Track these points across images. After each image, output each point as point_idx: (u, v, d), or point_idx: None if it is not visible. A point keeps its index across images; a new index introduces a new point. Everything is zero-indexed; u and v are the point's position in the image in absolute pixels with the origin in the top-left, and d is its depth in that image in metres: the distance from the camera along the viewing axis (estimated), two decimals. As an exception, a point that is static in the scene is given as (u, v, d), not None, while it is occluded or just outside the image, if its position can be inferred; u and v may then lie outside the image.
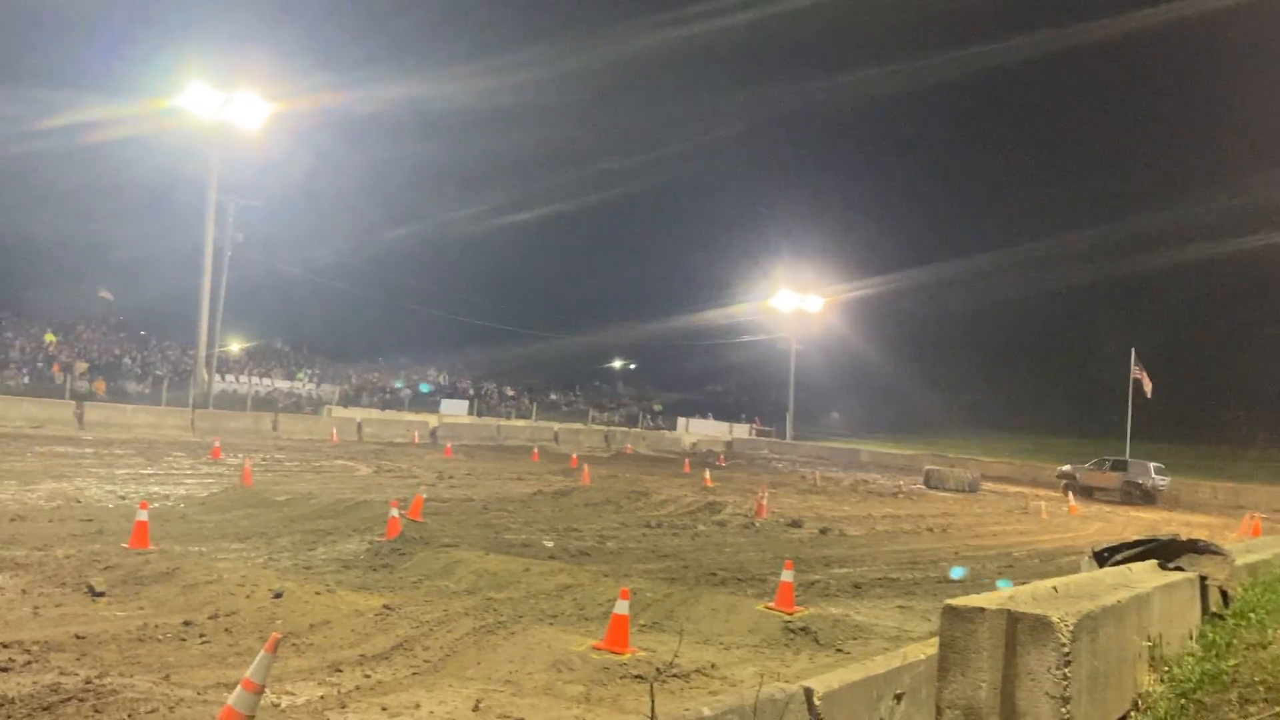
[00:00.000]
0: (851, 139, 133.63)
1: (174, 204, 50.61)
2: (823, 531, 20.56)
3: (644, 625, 10.38)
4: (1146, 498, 40.07)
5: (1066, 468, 44.08)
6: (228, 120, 38.92)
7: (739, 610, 11.36)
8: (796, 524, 21.37)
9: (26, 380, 42.25)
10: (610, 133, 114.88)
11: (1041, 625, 4.53)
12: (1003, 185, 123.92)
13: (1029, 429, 76.02)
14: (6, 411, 31.51)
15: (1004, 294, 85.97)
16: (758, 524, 21.05)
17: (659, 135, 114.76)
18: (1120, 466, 42.22)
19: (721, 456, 49.94)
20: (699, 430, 65.36)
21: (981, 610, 4.68)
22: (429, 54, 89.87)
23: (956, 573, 17.58)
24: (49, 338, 49.59)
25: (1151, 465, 41.87)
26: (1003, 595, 5.06)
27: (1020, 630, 4.58)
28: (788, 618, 11.11)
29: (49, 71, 63.72)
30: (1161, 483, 41.28)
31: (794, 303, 67.22)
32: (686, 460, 42.88)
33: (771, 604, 11.60)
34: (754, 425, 70.97)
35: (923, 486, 38.58)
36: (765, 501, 23.37)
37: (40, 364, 45.45)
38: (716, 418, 71.89)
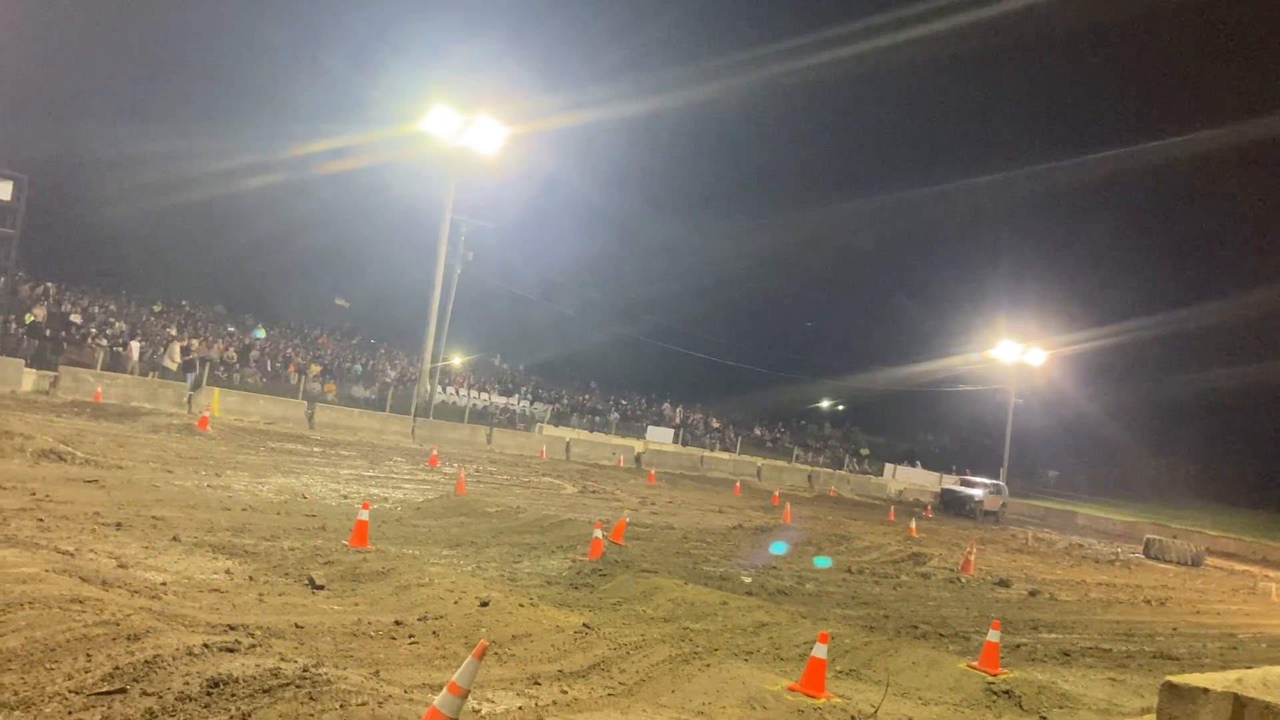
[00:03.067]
0: (1084, 192, 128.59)
1: (411, 223, 53.23)
2: (1032, 593, 19.78)
3: (840, 671, 10.20)
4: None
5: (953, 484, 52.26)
6: (466, 144, 40.60)
7: (940, 666, 11.05)
8: (1004, 583, 20.63)
9: (265, 379, 44.95)
10: (835, 168, 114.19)
11: (1271, 713, 4.23)
12: (1251, 241, 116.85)
13: (1261, 505, 71.11)
14: (245, 407, 33.59)
15: (1244, 360, 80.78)
16: (963, 579, 20.44)
17: (886, 176, 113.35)
18: (998, 490, 50.31)
19: (929, 507, 48.65)
20: (906, 478, 63.90)
21: (1205, 691, 4.40)
22: (659, 77, 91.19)
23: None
24: (260, 332, 52.62)
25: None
26: (1229, 677, 4.74)
27: (1247, 716, 4.28)
28: (991, 678, 10.74)
29: (314, 104, 68.32)
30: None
31: (1015, 354, 64.90)
32: (892, 508, 41.98)
33: (975, 663, 11.24)
34: (964, 477, 68.83)
35: (1141, 556, 36.61)
36: (973, 557, 22.64)
37: (278, 365, 48.28)
38: (926, 467, 70.06)
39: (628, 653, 9.17)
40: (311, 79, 76.13)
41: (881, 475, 63.94)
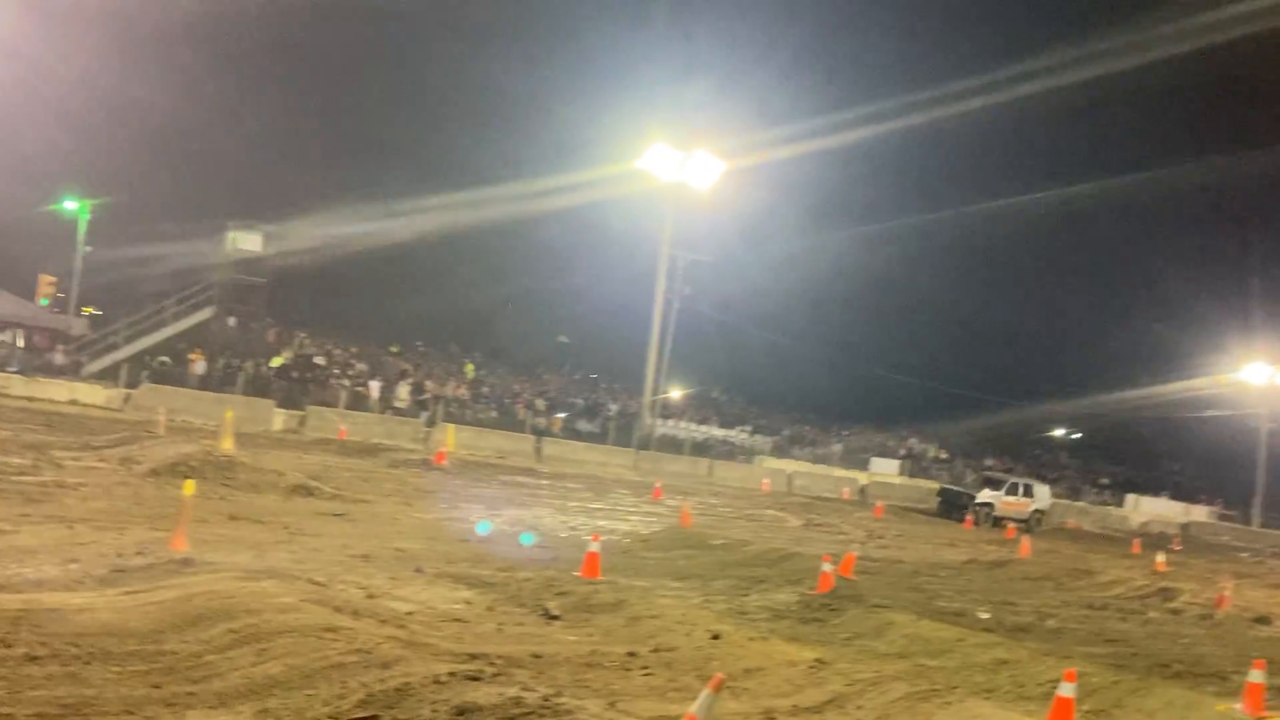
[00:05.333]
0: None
1: (630, 259, 54.14)
2: (1297, 632, 18.34)
3: (1088, 712, 9.68)
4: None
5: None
6: (683, 180, 41.09)
7: (1198, 708, 10.35)
8: (1264, 620, 19.16)
9: (495, 415, 46.46)
10: (1066, 183, 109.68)
11: None
12: None
13: None
14: (477, 442, 34.82)
15: None
16: (1218, 616, 19.10)
17: (1121, 190, 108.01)
18: (1029, 492, 41.30)
19: (1176, 540, 45.86)
20: (1150, 509, 60.30)
21: None
22: (877, 106, 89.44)
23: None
24: (468, 368, 54.22)
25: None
26: None
27: None
28: (1255, 722, 10.01)
29: (540, 147, 70.72)
30: None
31: (1266, 376, 60.68)
32: (1135, 540, 39.75)
33: (1236, 705, 10.48)
34: (1215, 508, 64.54)
35: None
36: (1228, 593, 21.17)
37: (507, 400, 49.84)
38: (1172, 497, 66.05)
39: (863, 689, 8.96)
40: (538, 123, 78.76)
41: (1122, 506, 60.72)
